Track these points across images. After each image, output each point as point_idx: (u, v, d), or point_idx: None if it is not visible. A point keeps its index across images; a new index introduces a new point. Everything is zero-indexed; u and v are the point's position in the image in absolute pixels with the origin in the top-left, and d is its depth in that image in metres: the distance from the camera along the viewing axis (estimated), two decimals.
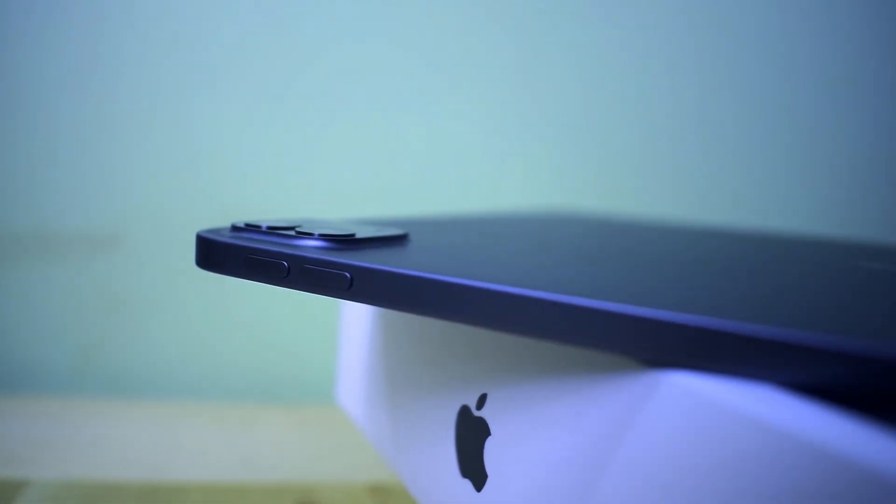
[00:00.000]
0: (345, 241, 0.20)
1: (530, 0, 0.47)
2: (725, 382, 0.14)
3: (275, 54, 0.44)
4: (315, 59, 0.45)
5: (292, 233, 0.20)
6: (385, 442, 0.27)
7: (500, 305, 0.16)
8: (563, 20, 0.47)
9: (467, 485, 0.21)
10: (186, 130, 0.44)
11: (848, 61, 0.51)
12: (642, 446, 0.15)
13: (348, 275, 0.18)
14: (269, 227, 0.20)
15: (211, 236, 0.20)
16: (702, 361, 0.14)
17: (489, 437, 0.20)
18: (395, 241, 0.21)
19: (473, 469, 0.20)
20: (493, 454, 0.20)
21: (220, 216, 0.42)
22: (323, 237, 0.20)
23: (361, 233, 0.21)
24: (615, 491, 0.15)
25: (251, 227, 0.21)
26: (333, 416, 0.39)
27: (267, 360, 0.45)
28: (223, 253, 0.20)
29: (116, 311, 0.44)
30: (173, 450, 0.35)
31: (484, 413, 0.20)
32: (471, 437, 0.21)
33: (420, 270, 0.17)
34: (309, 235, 0.20)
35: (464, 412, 0.21)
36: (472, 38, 0.46)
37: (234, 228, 0.21)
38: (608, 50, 0.48)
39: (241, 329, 0.45)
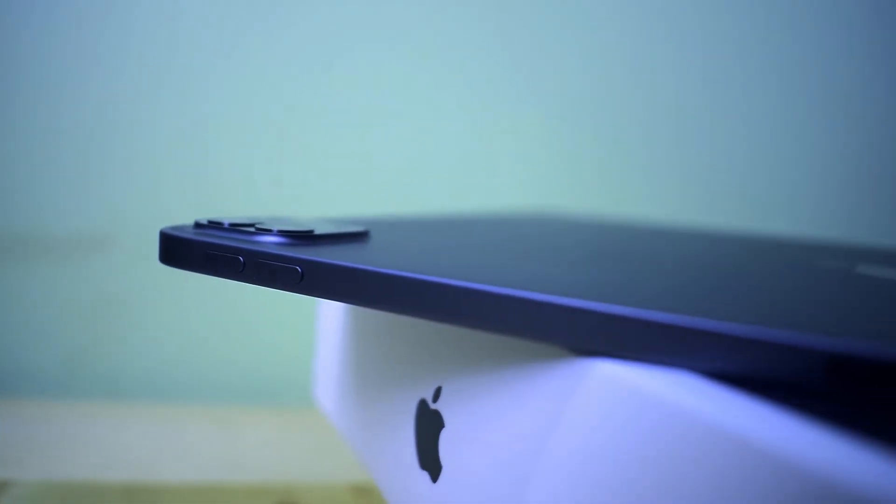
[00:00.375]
0: (302, 237, 0.20)
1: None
2: (644, 370, 0.14)
3: (265, 56, 0.45)
4: (305, 61, 0.45)
5: (252, 229, 0.20)
6: (356, 438, 0.27)
7: (435, 296, 0.16)
8: (550, 19, 0.48)
9: (425, 476, 0.21)
10: (177, 131, 0.44)
11: (847, 61, 0.51)
12: (571, 433, 0.15)
13: (299, 269, 0.18)
14: (231, 224, 0.21)
15: (173, 233, 0.21)
16: (623, 349, 0.14)
17: (443, 429, 0.20)
18: (355, 237, 0.22)
19: (430, 461, 0.21)
20: (447, 445, 0.20)
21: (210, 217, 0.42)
22: (281, 233, 0.20)
23: (321, 229, 0.21)
24: (549, 478, 0.15)
25: (214, 224, 0.21)
26: (317, 418, 0.40)
27: (253, 361, 0.45)
28: (184, 249, 0.20)
29: (105, 312, 0.44)
30: (157, 450, 0.36)
31: (439, 405, 0.20)
32: (428, 430, 0.21)
33: (366, 264, 0.17)
34: (268, 232, 0.20)
35: (422, 405, 0.21)
36: (459, 38, 0.47)
37: (198, 225, 0.21)
38: (596, 50, 0.48)
39: (228, 331, 0.45)
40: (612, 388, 0.14)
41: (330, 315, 0.32)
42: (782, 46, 0.51)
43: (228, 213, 0.43)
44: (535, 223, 0.31)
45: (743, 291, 0.17)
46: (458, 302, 0.16)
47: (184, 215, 0.43)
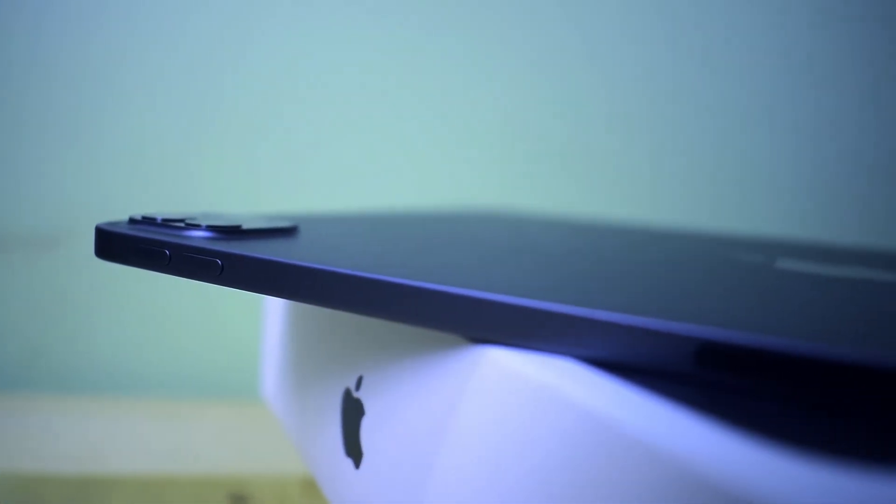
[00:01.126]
0: (229, 232, 0.21)
1: None
2: (529, 356, 0.15)
3: (227, 56, 0.45)
4: (261, 57, 0.46)
5: (182, 224, 0.21)
6: (293, 429, 0.28)
7: (342, 287, 0.17)
8: (510, 13, 0.49)
9: (349, 463, 0.22)
10: (131, 130, 0.45)
11: (847, 61, 0.53)
12: (466, 417, 0.16)
13: (219, 262, 0.19)
14: (164, 220, 0.22)
15: (107, 228, 0.21)
16: (511, 337, 0.15)
17: (364, 417, 0.21)
18: (282, 232, 0.22)
19: (353, 448, 0.22)
20: (367, 433, 0.21)
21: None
22: (209, 228, 0.21)
23: (249, 225, 0.22)
24: (450, 462, 0.16)
25: (147, 220, 0.22)
26: (268, 411, 0.40)
27: (205, 355, 0.46)
28: (116, 243, 0.21)
29: (60, 309, 0.45)
30: (110, 443, 0.36)
31: (360, 394, 0.21)
32: (351, 418, 0.22)
33: (279, 257, 0.18)
34: (196, 227, 0.21)
35: (347, 394, 0.22)
36: (415, 31, 0.48)
37: (132, 221, 0.22)
38: (558, 47, 0.49)
39: (180, 326, 0.46)
40: (497, 373, 0.15)
41: (272, 310, 0.33)
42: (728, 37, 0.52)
43: (181, 210, 0.44)
44: (468, 220, 0.32)
45: (631, 282, 0.18)
46: (357, 292, 0.17)
47: (137, 213, 0.43)
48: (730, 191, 0.52)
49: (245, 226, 0.22)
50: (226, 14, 0.45)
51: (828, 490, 0.10)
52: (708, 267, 0.23)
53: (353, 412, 0.22)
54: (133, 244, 0.21)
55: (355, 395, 0.22)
